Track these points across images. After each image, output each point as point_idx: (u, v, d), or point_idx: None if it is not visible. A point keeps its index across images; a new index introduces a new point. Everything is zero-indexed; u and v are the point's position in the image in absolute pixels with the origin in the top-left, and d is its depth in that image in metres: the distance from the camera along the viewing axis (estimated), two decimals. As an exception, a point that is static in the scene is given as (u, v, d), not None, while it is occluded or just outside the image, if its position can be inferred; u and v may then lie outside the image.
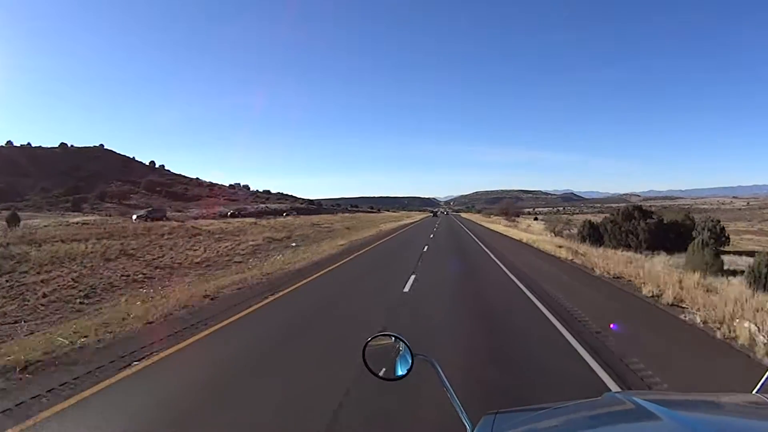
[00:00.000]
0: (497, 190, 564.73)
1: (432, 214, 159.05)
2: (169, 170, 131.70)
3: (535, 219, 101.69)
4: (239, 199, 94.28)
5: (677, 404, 1.27)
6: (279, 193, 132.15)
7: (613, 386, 4.71)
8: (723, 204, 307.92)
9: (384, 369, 1.77)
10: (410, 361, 1.72)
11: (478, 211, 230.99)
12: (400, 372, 1.73)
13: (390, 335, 1.79)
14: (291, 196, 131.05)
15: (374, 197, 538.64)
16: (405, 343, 1.74)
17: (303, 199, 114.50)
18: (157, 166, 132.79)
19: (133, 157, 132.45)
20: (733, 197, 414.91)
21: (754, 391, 1.45)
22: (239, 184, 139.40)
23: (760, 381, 1.49)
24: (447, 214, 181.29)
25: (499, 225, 47.56)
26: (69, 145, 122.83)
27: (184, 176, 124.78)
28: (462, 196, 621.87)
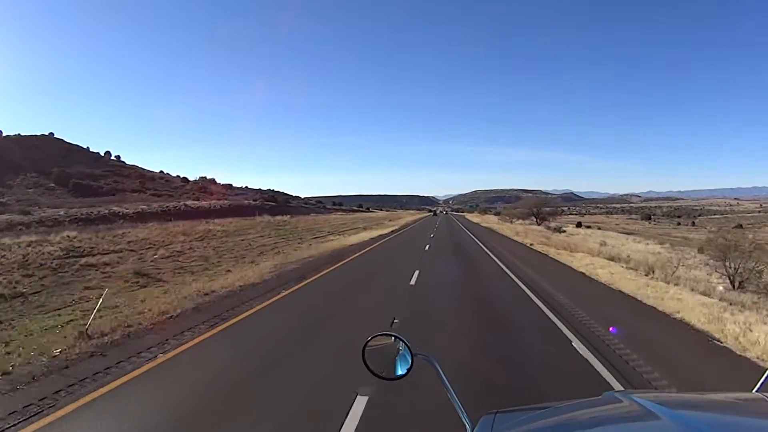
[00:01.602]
0: (497, 189, 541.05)
1: (432, 213, 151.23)
2: (123, 162, 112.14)
3: (579, 225, 68.97)
4: (174, 195, 72.03)
5: (677, 403, 1.23)
6: (242, 187, 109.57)
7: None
8: (731, 206, 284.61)
9: (384, 369, 1.69)
10: (410, 361, 1.65)
11: (484, 211, 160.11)
12: (400, 372, 1.66)
13: (390, 335, 1.71)
14: (258, 190, 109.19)
15: (373, 195, 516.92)
16: (405, 343, 1.67)
17: (265, 194, 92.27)
18: (112, 156, 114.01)
19: (87, 147, 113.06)
20: (735, 198, 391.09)
21: (754, 390, 1.38)
22: (205, 177, 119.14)
23: (760, 380, 1.42)
24: (446, 213, 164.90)
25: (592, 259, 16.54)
26: (17, 135, 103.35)
27: (130, 167, 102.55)
28: (461, 195, 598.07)
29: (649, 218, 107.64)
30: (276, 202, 73.77)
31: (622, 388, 6.09)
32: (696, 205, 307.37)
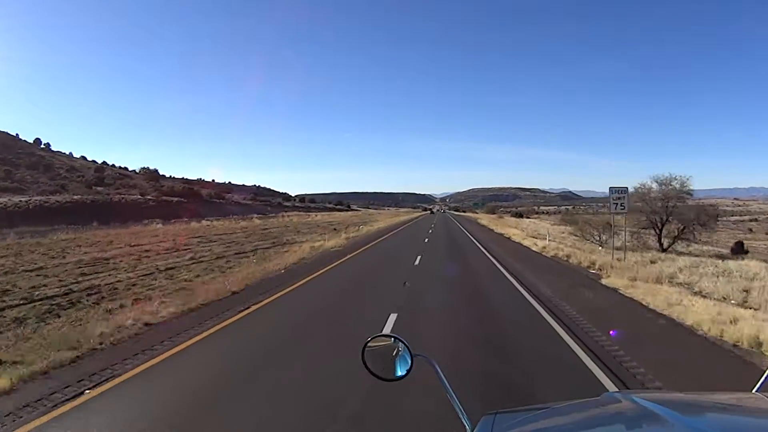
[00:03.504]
0: (494, 188, 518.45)
1: (428, 212, 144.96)
2: (52, 150, 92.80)
3: (741, 248, 28.26)
4: (29, 189, 50.08)
5: (677, 403, 1.22)
6: (182, 178, 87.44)
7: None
8: (739, 206, 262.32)
9: (383, 369, 1.67)
10: (409, 362, 1.64)
11: (492, 210, 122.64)
12: (400, 372, 1.65)
13: (389, 336, 1.70)
14: (242, 186, 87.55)
15: (368, 192, 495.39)
16: (404, 344, 1.66)
17: (195, 184, 70.44)
18: (42, 144, 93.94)
19: (17, 134, 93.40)
20: (735, 198, 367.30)
21: (754, 390, 1.37)
22: (148, 168, 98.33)
23: (759, 380, 1.41)
24: (444, 212, 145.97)
25: None
26: None
27: (37, 155, 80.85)
28: (458, 193, 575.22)
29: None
30: (186, 199, 50.96)
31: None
32: (709, 203, 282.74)
